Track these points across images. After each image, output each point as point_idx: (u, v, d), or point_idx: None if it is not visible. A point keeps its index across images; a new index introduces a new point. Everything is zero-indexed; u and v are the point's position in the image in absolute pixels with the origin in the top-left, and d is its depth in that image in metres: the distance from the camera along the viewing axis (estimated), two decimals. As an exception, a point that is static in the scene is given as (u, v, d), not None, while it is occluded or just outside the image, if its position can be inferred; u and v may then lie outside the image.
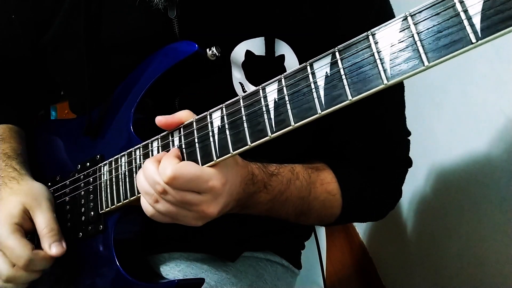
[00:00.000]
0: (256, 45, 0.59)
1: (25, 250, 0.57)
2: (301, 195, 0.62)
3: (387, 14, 0.62)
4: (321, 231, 0.95)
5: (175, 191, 0.47)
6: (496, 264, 0.82)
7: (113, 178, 0.60)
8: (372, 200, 0.69)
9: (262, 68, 0.59)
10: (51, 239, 0.59)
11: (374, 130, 0.66)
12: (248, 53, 0.60)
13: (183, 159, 0.51)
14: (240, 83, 0.61)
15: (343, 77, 0.39)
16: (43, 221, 0.60)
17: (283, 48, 0.60)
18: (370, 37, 0.38)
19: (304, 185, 0.62)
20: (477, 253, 0.88)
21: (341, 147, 0.68)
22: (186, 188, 0.48)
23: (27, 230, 0.60)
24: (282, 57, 0.60)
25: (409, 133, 0.71)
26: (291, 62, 0.59)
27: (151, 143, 0.56)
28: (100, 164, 0.63)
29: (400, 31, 0.37)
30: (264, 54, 0.59)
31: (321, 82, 0.41)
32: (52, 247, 0.59)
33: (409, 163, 0.71)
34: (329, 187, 0.65)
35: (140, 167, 0.56)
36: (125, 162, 0.59)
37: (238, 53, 0.60)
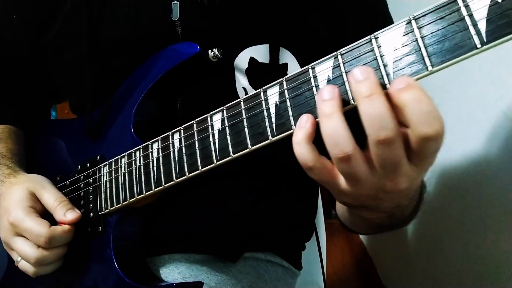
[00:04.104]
0: (261, 52, 0.59)
1: (43, 228, 0.57)
2: None
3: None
4: (321, 231, 0.94)
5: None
6: (497, 264, 0.82)
7: (113, 180, 0.60)
8: None
9: (265, 76, 0.59)
10: (63, 208, 0.60)
11: None
12: (252, 60, 0.59)
13: (181, 160, 0.51)
14: (243, 88, 0.61)
15: (345, 81, 0.38)
16: (51, 196, 0.61)
17: (287, 57, 0.59)
18: (373, 40, 0.38)
19: None
20: (477, 253, 0.88)
21: None
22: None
23: (39, 212, 0.60)
24: (285, 65, 0.60)
25: None
26: (294, 71, 0.59)
27: (151, 144, 0.56)
28: (100, 165, 0.62)
29: (404, 35, 0.36)
30: (268, 61, 0.59)
31: (323, 86, 0.40)
32: (67, 214, 0.59)
33: None
34: None
35: (139, 168, 0.56)
36: (125, 164, 0.58)
37: (243, 59, 0.60)
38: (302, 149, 0.38)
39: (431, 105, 0.34)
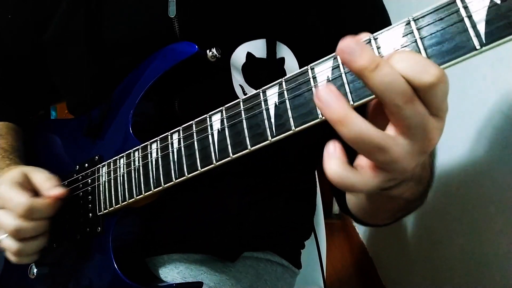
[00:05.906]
0: (257, 47, 0.59)
1: (23, 197, 0.56)
2: None
3: (389, 23, 0.62)
4: (321, 231, 0.94)
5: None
6: (497, 264, 0.81)
7: (112, 180, 0.60)
8: None
9: (262, 71, 0.59)
10: (52, 183, 0.59)
11: None
12: (249, 55, 0.59)
13: (180, 161, 0.51)
14: (240, 85, 0.61)
15: (345, 82, 0.38)
16: (43, 176, 0.60)
17: (284, 51, 0.59)
18: (373, 41, 0.37)
19: None
20: (477, 253, 0.88)
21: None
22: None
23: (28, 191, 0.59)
24: (282, 60, 0.59)
25: None
26: (291, 65, 0.59)
27: (150, 145, 0.55)
28: (99, 166, 0.62)
29: (403, 36, 0.36)
30: (265, 56, 0.59)
31: (319, 89, 0.40)
32: (53, 189, 0.58)
33: None
34: None
35: (138, 169, 0.56)
36: (123, 164, 0.58)
37: (239, 55, 0.59)
38: (343, 174, 0.34)
39: (419, 56, 0.33)
